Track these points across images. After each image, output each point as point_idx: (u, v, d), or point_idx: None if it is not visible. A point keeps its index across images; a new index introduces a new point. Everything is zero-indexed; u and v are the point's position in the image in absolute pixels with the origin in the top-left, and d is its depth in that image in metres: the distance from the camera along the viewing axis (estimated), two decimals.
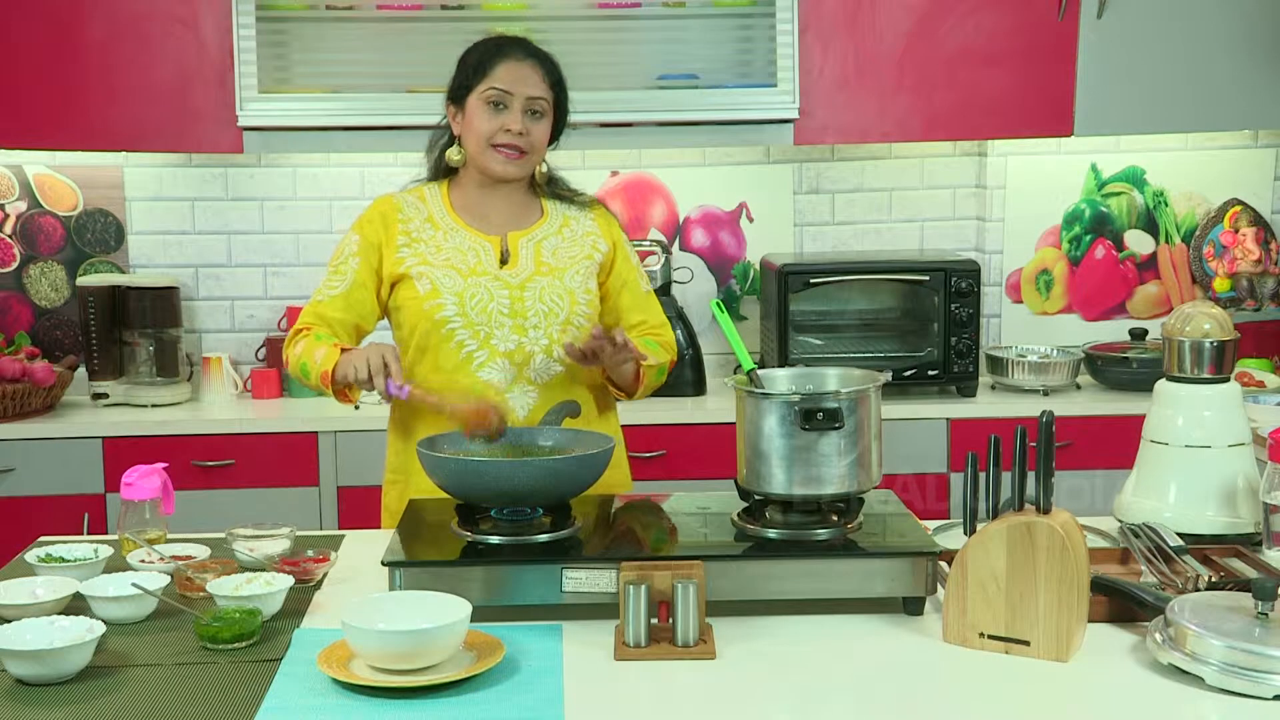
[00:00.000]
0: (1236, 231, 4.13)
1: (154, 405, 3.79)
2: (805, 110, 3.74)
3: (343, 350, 2.33)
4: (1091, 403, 3.74)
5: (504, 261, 2.44)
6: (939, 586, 1.93)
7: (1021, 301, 4.18)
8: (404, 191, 2.54)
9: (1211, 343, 2.24)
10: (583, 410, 2.41)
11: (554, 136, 2.50)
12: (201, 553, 2.20)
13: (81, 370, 3.90)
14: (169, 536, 2.29)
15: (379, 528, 2.58)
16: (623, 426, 2.62)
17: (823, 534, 1.98)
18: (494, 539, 1.99)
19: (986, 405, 3.73)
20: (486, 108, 2.41)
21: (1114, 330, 4.14)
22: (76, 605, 1.96)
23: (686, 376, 3.81)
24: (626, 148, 4.01)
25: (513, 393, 2.40)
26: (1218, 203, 4.15)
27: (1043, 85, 3.76)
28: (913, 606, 1.93)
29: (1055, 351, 3.93)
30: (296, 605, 2.01)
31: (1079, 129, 3.78)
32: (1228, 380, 2.26)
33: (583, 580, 1.89)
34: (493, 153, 2.42)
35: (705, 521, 2.17)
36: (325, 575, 2.16)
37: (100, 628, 1.78)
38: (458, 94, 2.47)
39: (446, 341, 2.39)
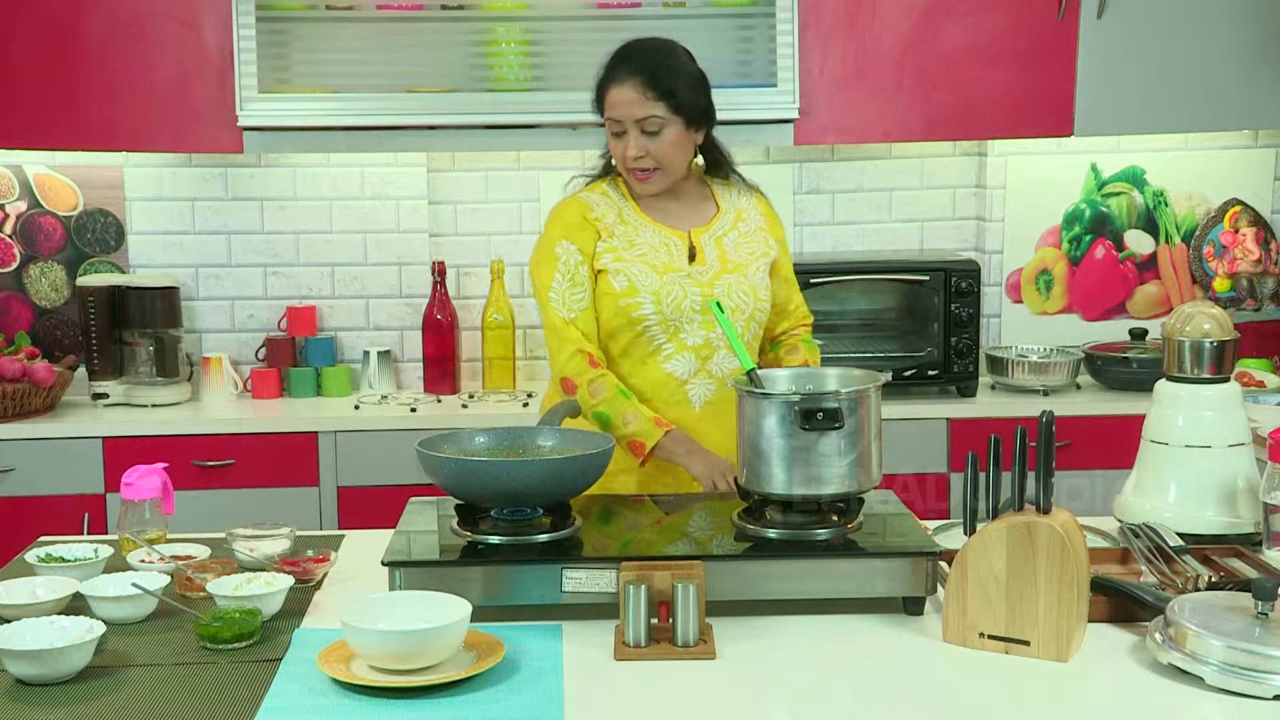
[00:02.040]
0: (1236, 231, 4.13)
1: (154, 405, 3.79)
2: (805, 110, 3.74)
3: (667, 430, 2.38)
4: (1091, 403, 3.74)
5: (691, 258, 2.48)
6: (939, 586, 1.93)
7: (1021, 301, 4.18)
8: (586, 190, 2.56)
9: (1211, 343, 2.24)
10: None
11: (702, 126, 2.49)
12: (201, 553, 2.20)
13: (81, 370, 3.90)
14: (169, 536, 2.29)
15: (379, 528, 2.57)
16: None
17: (823, 534, 1.99)
18: (494, 539, 1.99)
19: (986, 405, 3.73)
20: (611, 136, 2.47)
21: (1114, 330, 4.13)
22: (76, 605, 1.96)
23: None
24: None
25: (693, 384, 2.46)
26: (1218, 203, 4.15)
27: (1043, 85, 3.76)
28: (913, 606, 1.94)
29: (1055, 351, 3.93)
30: (296, 605, 2.01)
31: (1079, 129, 3.78)
32: (1228, 380, 2.26)
33: (583, 580, 1.89)
34: (629, 175, 2.48)
35: (705, 521, 2.17)
36: (325, 575, 2.16)
37: (100, 628, 1.78)
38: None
39: (639, 335, 2.45)
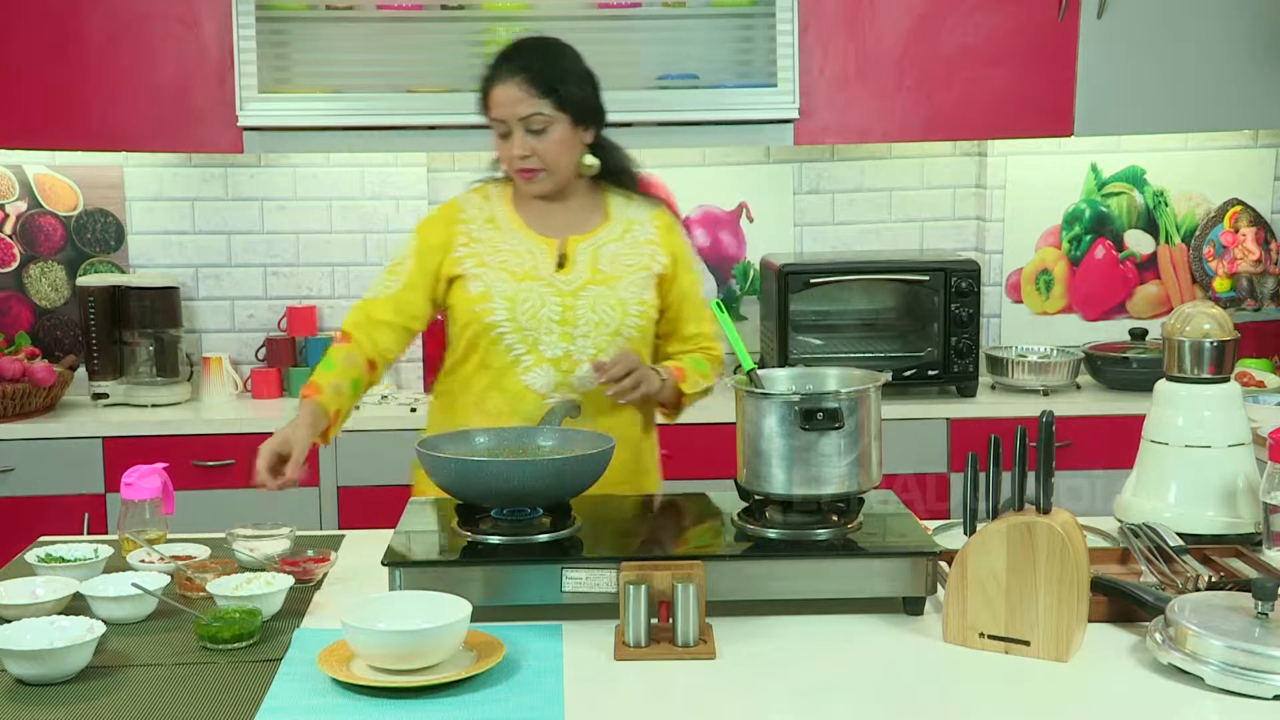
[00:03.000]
0: (1236, 231, 4.13)
1: (154, 405, 3.79)
2: (805, 110, 3.74)
3: (307, 397, 2.36)
4: (1091, 403, 3.74)
5: (560, 265, 2.41)
6: (939, 586, 1.93)
7: (1021, 301, 4.18)
8: (468, 191, 2.52)
9: (1211, 343, 2.23)
10: (630, 425, 2.45)
11: (590, 124, 2.44)
12: (201, 553, 2.20)
13: (81, 370, 3.90)
14: (169, 536, 2.29)
15: (379, 528, 2.57)
16: None
17: (823, 534, 1.98)
18: (494, 539, 1.99)
19: (986, 405, 3.73)
20: (496, 137, 2.42)
21: (1114, 330, 4.14)
22: (76, 605, 1.96)
23: None
24: (626, 148, 4.00)
25: (553, 398, 2.38)
26: (1218, 203, 4.15)
27: (1043, 85, 3.76)
28: (913, 606, 1.93)
29: (1055, 351, 3.93)
30: (296, 605, 2.01)
31: (1079, 129, 3.78)
32: (1228, 380, 2.26)
33: (583, 580, 1.89)
34: (516, 176, 2.43)
35: (705, 521, 2.17)
36: (325, 575, 2.16)
37: (100, 628, 1.78)
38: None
39: (495, 344, 2.39)
